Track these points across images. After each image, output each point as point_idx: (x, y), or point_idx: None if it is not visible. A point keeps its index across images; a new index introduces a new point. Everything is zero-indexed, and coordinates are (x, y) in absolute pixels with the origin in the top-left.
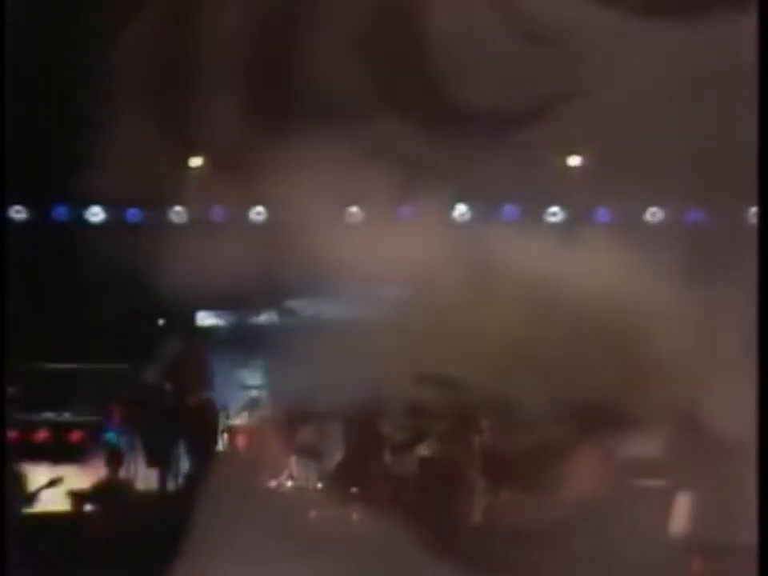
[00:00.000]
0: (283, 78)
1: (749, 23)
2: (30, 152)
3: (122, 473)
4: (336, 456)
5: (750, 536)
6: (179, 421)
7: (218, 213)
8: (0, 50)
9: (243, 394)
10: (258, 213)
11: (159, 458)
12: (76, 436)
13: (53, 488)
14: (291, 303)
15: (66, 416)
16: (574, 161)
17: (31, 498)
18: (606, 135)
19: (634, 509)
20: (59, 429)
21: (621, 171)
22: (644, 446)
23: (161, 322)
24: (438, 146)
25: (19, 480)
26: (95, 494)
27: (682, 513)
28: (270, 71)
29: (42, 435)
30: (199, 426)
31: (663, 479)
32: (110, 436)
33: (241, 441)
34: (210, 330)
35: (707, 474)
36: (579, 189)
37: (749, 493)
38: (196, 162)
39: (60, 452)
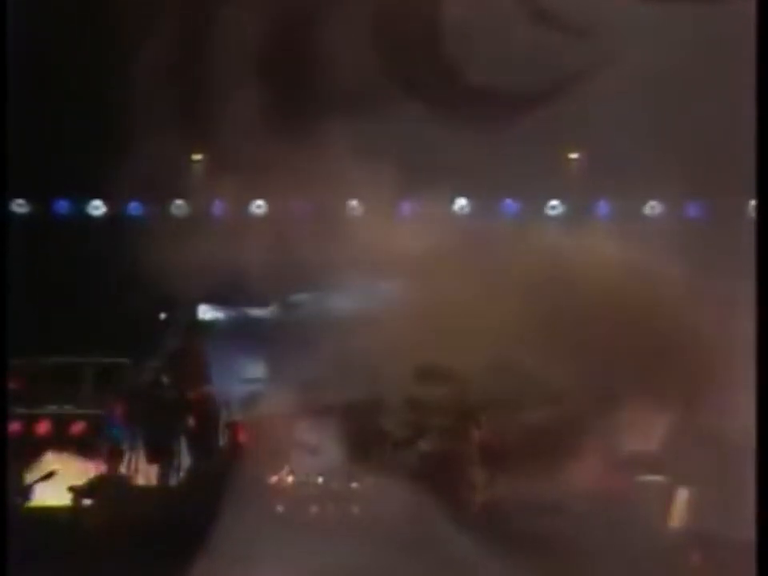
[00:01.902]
0: (284, 72)
1: (749, 19)
2: (32, 146)
3: (123, 467)
4: (336, 451)
5: (748, 530)
6: (180, 415)
7: (218, 206)
8: (2, 45)
9: (244, 389)
10: (258, 206)
11: (160, 453)
12: (77, 430)
13: (47, 481)
14: (291, 297)
15: (68, 410)
16: (574, 154)
17: (26, 490)
18: (605, 129)
19: (634, 502)
20: (61, 422)
21: (620, 165)
22: (644, 440)
23: (162, 315)
24: (439, 139)
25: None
26: (96, 488)
27: (681, 506)
28: (271, 65)
29: (43, 428)
30: (200, 420)
31: (663, 474)
32: (113, 431)
33: (242, 436)
34: (211, 324)
35: (707, 469)
36: (579, 182)
37: (749, 487)
38: (197, 156)
39: (61, 446)
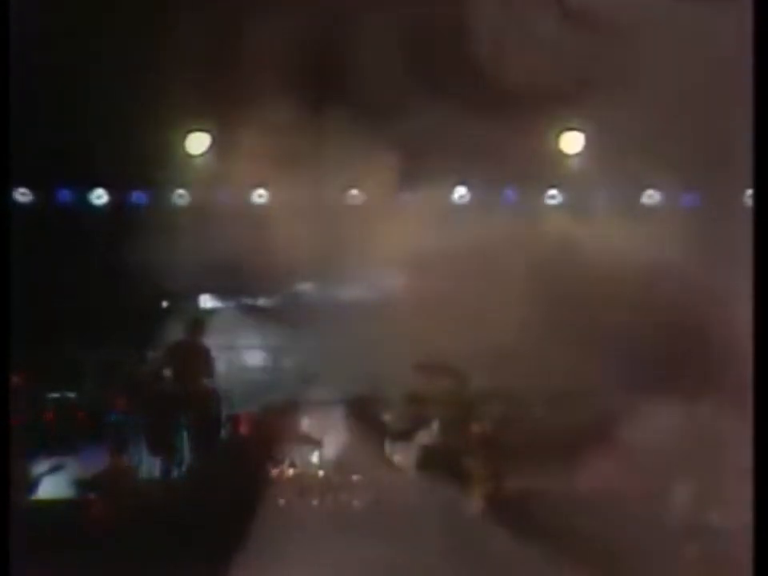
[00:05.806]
0: (285, 62)
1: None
2: (35, 134)
3: (126, 460)
4: (337, 443)
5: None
6: (182, 408)
7: (220, 196)
8: (5, 33)
9: (246, 381)
10: (259, 195)
11: (162, 446)
12: (80, 424)
13: (54, 474)
14: (293, 289)
15: (70, 403)
16: (573, 144)
17: (33, 483)
18: (604, 119)
19: (634, 496)
20: (64, 416)
21: (619, 154)
22: (643, 433)
23: (164, 306)
24: (439, 129)
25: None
26: (100, 481)
27: (681, 499)
28: (273, 55)
29: (46, 422)
30: (202, 412)
31: (661, 466)
32: (116, 424)
33: (243, 428)
34: (212, 315)
35: (707, 461)
36: (577, 171)
37: (746, 480)
38: (199, 145)
39: (64, 439)
